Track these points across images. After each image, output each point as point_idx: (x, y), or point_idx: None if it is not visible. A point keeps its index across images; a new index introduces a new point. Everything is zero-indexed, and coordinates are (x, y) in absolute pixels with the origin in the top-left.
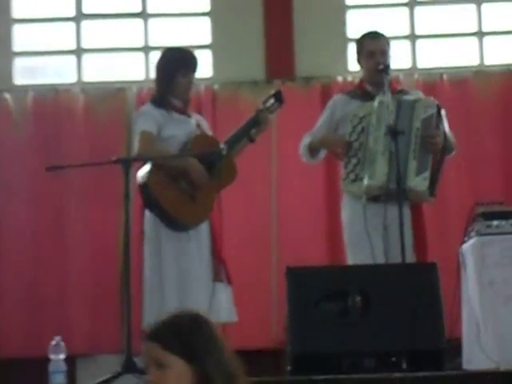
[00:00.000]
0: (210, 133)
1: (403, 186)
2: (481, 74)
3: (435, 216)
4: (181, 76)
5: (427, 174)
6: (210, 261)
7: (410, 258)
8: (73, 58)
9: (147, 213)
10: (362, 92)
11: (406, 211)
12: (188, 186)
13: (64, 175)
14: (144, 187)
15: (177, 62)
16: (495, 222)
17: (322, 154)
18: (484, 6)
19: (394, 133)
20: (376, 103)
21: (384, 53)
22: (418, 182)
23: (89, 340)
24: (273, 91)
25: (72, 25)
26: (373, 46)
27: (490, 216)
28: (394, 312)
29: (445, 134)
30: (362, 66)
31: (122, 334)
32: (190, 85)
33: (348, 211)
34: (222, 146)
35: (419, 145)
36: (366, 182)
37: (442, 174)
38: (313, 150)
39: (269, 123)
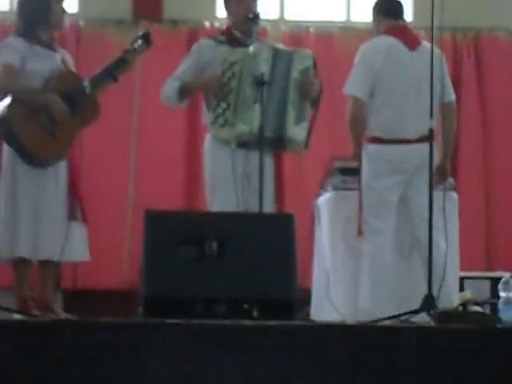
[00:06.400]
0: (74, 69)
1: (282, 136)
2: (347, 29)
3: (292, 167)
4: (55, 3)
5: (306, 124)
6: (66, 199)
7: (272, 207)
8: None
9: (6, 147)
10: (231, 38)
11: (269, 160)
12: (49, 122)
13: None
14: (3, 120)
15: None
16: (352, 178)
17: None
18: None
19: (260, 83)
20: (251, 51)
21: None
22: (297, 132)
23: None
24: (141, 32)
25: None
26: None
27: (346, 171)
28: (249, 260)
29: (320, 85)
30: (229, 13)
31: None
32: (64, 13)
33: (212, 156)
34: (85, 84)
35: (298, 95)
36: (239, 127)
37: (314, 125)
38: (183, 93)
39: (135, 64)
